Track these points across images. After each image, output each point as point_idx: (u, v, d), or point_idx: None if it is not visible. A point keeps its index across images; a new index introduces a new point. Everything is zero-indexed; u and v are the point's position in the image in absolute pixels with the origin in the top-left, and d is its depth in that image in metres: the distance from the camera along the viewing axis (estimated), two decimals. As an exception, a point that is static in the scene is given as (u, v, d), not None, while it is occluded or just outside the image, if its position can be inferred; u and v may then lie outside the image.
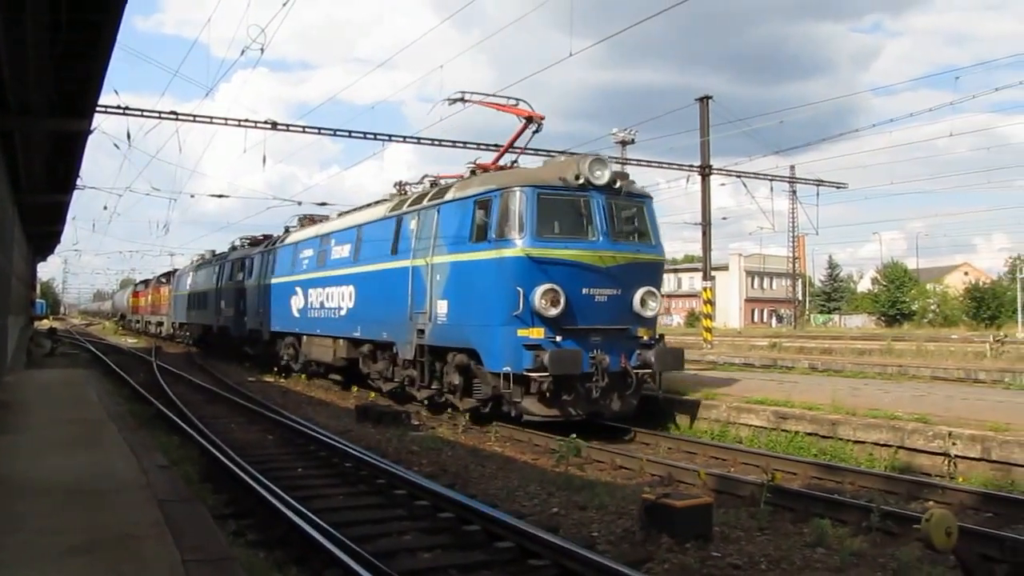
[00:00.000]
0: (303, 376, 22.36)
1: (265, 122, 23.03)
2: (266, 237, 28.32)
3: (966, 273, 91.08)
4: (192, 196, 53.24)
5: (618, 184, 13.22)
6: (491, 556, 6.56)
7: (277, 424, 13.53)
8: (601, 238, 12.77)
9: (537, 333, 12.23)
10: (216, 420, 14.26)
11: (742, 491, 9.12)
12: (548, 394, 12.16)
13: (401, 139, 25.63)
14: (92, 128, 14.36)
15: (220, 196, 31.92)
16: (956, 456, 10.09)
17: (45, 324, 54.50)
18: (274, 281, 24.14)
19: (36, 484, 7.00)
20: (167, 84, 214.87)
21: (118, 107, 20.74)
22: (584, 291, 12.55)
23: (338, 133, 24.41)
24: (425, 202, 15.06)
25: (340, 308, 18.56)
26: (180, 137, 34.94)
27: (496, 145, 25.11)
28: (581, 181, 12.77)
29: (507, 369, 12.12)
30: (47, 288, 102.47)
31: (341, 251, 19.01)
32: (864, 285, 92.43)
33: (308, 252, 21.58)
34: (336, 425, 13.78)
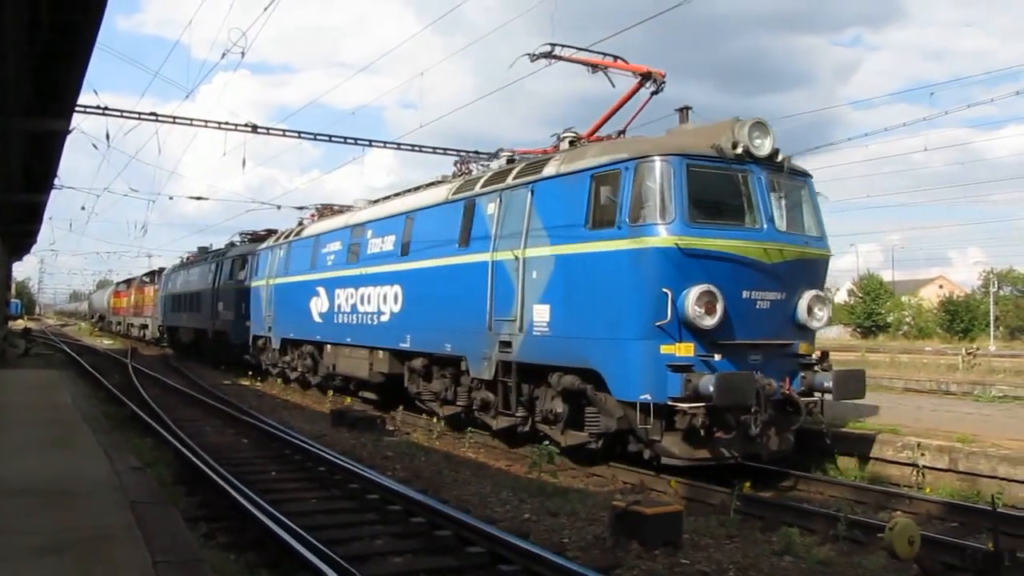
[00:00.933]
0: (278, 380, 22.21)
1: (245, 125, 22.89)
2: (270, 232, 26.18)
3: (941, 286, 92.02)
4: (171, 198, 52.94)
5: (780, 157, 10.57)
6: (462, 561, 6.61)
7: (252, 427, 13.52)
8: (766, 226, 10.08)
9: (686, 350, 9.54)
10: (191, 423, 14.22)
11: (713, 499, 9.22)
12: (702, 431, 9.48)
13: (382, 144, 25.53)
14: (71, 128, 14.31)
15: (199, 198, 31.81)
16: (924, 467, 10.24)
17: (20, 324, 53.98)
18: (287, 280, 21.09)
19: (7, 485, 6.98)
20: (147, 85, 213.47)
21: (97, 107, 20.50)
22: (744, 295, 9.90)
23: (319, 137, 24.29)
24: (510, 179, 12.07)
25: (381, 313, 15.53)
26: (160, 138, 34.71)
27: (477, 152, 25.13)
28: (739, 151, 10.08)
29: (646, 397, 9.36)
30: (22, 288, 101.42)
31: (382, 243, 15.90)
32: (841, 296, 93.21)
33: (334, 245, 18.40)
34: (311, 429, 13.79)
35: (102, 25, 9.18)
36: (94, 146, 22.61)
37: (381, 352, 15.76)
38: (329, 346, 18.53)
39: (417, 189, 16.08)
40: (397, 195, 17.05)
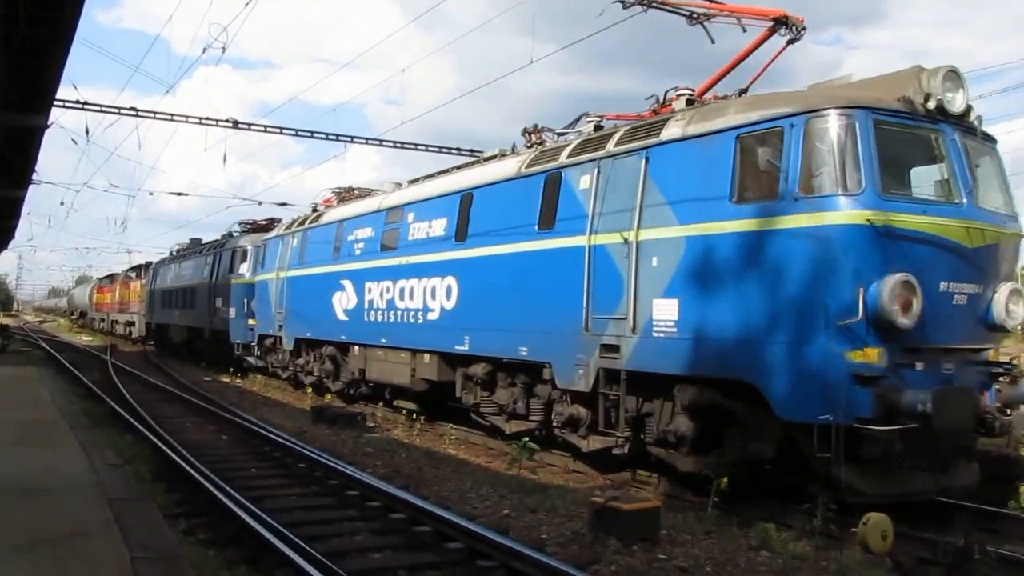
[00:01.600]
0: (259, 377, 22.11)
1: (226, 120, 22.80)
2: (272, 221, 24.86)
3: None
4: (151, 194, 52.48)
5: (972, 116, 8.53)
6: (441, 557, 6.63)
7: (232, 424, 13.49)
8: (966, 200, 8.04)
9: (872, 356, 7.48)
10: (171, 420, 14.16)
11: (691, 496, 9.28)
12: (898, 461, 7.66)
13: (363, 141, 25.53)
14: (49, 123, 14.24)
15: (180, 194, 32.14)
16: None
17: (-3, 320, 53.53)
18: (303, 273, 18.70)
19: (-16, 482, 6.96)
20: (127, 79, 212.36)
21: (76, 102, 20.42)
22: (942, 287, 7.82)
23: (300, 133, 24.23)
24: (612, 146, 9.94)
25: (428, 310, 13.28)
26: (140, 133, 34.59)
27: (459, 149, 25.13)
28: (931, 106, 8.02)
29: (827, 418, 7.27)
30: (0, 284, 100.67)
31: (429, 228, 13.58)
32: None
33: (364, 232, 15.96)
34: (292, 426, 13.76)
35: (81, 19, 9.16)
36: (73, 141, 22.50)
37: (427, 355, 13.60)
38: (357, 348, 16.34)
39: (471, 164, 14.13)
40: (444, 172, 14.79)
